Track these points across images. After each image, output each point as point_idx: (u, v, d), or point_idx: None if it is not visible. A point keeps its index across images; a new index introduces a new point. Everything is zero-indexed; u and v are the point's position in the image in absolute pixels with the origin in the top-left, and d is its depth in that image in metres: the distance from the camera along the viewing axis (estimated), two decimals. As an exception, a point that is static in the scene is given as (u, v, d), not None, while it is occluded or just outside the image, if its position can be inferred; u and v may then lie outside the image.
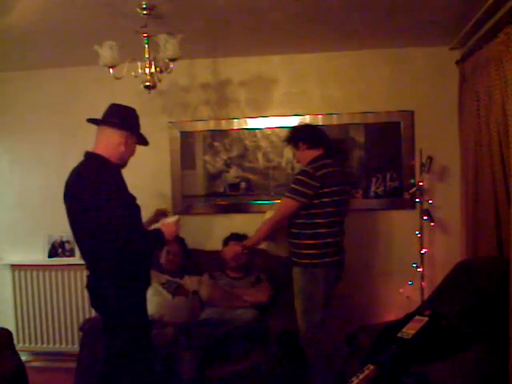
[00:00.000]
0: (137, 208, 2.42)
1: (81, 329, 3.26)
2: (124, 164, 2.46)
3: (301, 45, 3.62)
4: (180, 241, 3.60)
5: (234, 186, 3.88)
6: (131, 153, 2.48)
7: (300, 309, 2.94)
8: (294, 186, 2.87)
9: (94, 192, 2.23)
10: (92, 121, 2.45)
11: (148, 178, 3.86)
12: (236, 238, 3.52)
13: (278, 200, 3.47)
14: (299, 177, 2.88)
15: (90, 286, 2.41)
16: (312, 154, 2.99)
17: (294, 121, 3.76)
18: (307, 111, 3.75)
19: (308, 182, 2.84)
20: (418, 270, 3.53)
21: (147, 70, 2.88)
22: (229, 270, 3.49)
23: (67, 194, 2.36)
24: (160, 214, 3.09)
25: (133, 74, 2.90)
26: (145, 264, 2.46)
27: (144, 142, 2.54)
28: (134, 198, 2.42)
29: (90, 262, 2.40)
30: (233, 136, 3.86)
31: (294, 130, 3.21)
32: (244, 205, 3.84)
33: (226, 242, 3.55)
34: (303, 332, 2.94)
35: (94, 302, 2.43)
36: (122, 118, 2.41)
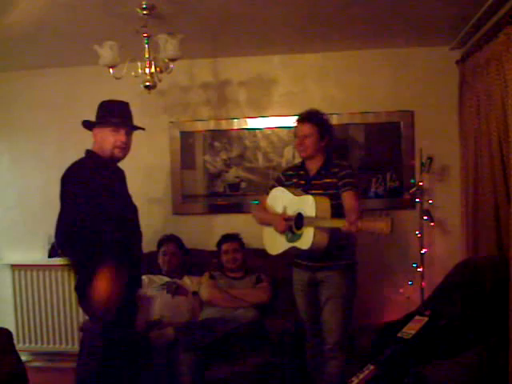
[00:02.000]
0: (122, 206, 2.39)
1: (81, 329, 3.26)
2: (114, 156, 2.40)
3: (301, 45, 3.63)
4: (176, 240, 3.60)
5: (234, 186, 3.88)
6: (110, 142, 2.37)
7: (340, 313, 2.75)
8: (351, 179, 2.72)
9: (70, 188, 2.24)
10: (87, 125, 2.48)
11: (148, 178, 3.86)
12: (229, 238, 3.52)
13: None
14: (350, 171, 2.77)
15: (76, 286, 2.40)
16: (326, 152, 2.84)
17: (294, 121, 3.76)
18: (307, 111, 3.75)
19: (356, 175, 2.82)
20: (418, 269, 3.53)
21: (147, 70, 2.88)
22: (228, 271, 3.48)
23: (60, 190, 2.35)
24: None
25: (133, 74, 2.90)
26: (130, 265, 2.38)
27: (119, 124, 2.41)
28: (128, 197, 2.42)
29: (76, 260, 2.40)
30: (233, 136, 3.86)
31: (325, 117, 2.88)
32: (244, 205, 3.84)
33: (219, 244, 3.53)
34: (339, 337, 2.75)
35: (80, 302, 2.43)
36: (99, 115, 2.42)
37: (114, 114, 2.40)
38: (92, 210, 2.19)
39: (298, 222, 2.67)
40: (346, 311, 2.77)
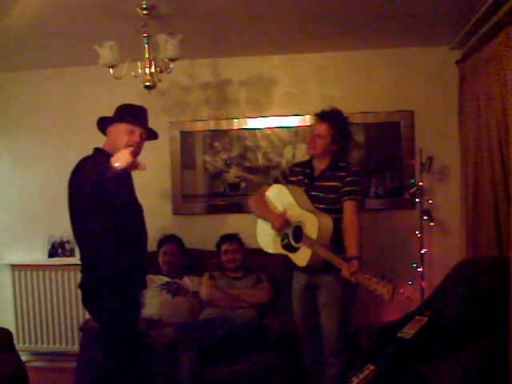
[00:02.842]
0: (130, 205, 2.40)
1: (81, 329, 3.26)
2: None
3: (301, 45, 3.62)
4: (176, 240, 3.61)
5: (234, 186, 3.88)
6: (124, 142, 2.38)
7: (338, 318, 2.68)
8: (356, 187, 2.62)
9: (78, 183, 2.24)
10: (102, 121, 2.49)
11: (148, 178, 3.85)
12: (229, 238, 3.52)
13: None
14: (357, 178, 2.65)
15: (81, 283, 2.41)
16: (336, 155, 2.74)
17: (293, 121, 3.77)
18: (307, 111, 3.74)
19: (362, 182, 2.73)
20: (418, 269, 3.53)
21: (147, 70, 2.88)
22: (228, 271, 3.48)
23: (68, 184, 2.37)
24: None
25: (133, 74, 2.91)
26: (133, 264, 2.40)
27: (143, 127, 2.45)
28: (134, 195, 2.42)
29: (80, 256, 2.41)
30: (233, 136, 3.86)
31: (345, 122, 2.74)
32: (244, 205, 3.84)
33: (218, 245, 3.55)
34: (336, 341, 2.70)
35: (84, 300, 2.44)
36: (116, 113, 2.45)
37: (132, 114, 2.43)
38: (101, 208, 2.21)
39: (296, 234, 2.61)
40: (344, 316, 2.71)
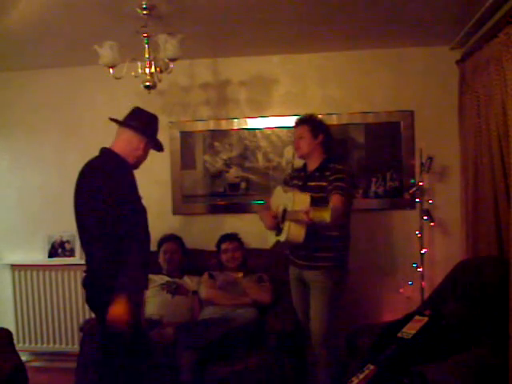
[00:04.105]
0: (140, 209, 2.41)
1: (81, 329, 3.26)
2: (136, 167, 2.48)
3: (301, 45, 3.62)
4: (177, 239, 3.61)
5: (234, 186, 3.88)
6: (145, 157, 2.51)
7: (324, 310, 2.81)
8: (340, 183, 2.69)
9: (103, 187, 2.25)
10: (115, 121, 2.48)
11: (148, 178, 3.84)
12: (229, 238, 3.53)
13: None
14: (341, 175, 2.73)
15: (85, 281, 2.41)
16: (324, 153, 2.89)
17: (293, 121, 3.76)
18: (307, 111, 3.73)
19: (353, 181, 2.84)
20: (418, 269, 3.53)
21: (147, 70, 2.88)
22: (228, 270, 3.48)
23: (77, 185, 2.38)
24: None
25: (133, 74, 2.91)
26: (141, 265, 2.41)
27: (160, 148, 2.58)
28: (140, 199, 2.43)
29: (87, 255, 2.41)
30: (233, 136, 3.86)
31: (318, 118, 2.98)
32: (244, 205, 3.84)
33: (218, 244, 3.55)
34: (322, 335, 2.82)
35: (88, 298, 2.44)
36: (145, 125, 2.46)
37: (155, 131, 2.54)
38: (114, 211, 2.22)
39: (282, 217, 2.78)
40: (330, 310, 2.80)
